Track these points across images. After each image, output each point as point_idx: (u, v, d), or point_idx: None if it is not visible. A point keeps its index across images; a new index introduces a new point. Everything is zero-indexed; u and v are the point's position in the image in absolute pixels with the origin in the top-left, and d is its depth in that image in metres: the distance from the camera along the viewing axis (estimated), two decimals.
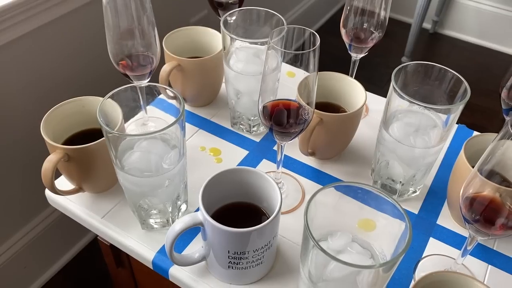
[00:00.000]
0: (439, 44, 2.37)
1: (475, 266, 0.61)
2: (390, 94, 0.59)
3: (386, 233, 0.48)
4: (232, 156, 0.73)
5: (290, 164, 0.73)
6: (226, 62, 0.70)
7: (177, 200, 0.60)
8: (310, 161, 0.73)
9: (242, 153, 0.74)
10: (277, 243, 0.61)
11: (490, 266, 0.61)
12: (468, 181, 0.48)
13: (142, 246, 0.61)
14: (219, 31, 0.70)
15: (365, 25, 0.72)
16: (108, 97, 0.55)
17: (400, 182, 0.65)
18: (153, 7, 0.64)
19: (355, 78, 0.71)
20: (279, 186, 0.54)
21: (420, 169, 0.64)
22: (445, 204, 0.67)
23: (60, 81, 1.10)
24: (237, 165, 0.72)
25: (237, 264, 0.54)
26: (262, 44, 0.66)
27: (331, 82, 0.71)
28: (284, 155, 0.73)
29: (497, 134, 0.45)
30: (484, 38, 2.35)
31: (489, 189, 0.47)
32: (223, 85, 0.81)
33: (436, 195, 0.69)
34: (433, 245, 0.63)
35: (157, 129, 0.50)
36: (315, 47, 0.50)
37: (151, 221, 0.62)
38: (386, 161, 0.64)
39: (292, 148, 0.74)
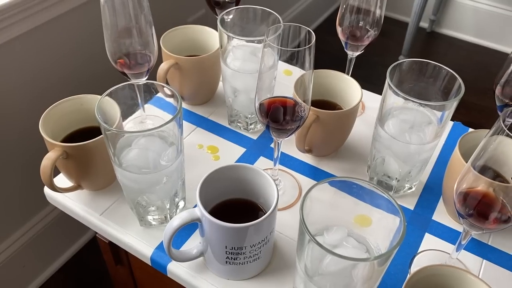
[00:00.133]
0: (436, 43, 2.38)
1: (470, 261, 0.62)
2: (386, 91, 0.60)
3: (381, 228, 0.48)
4: (229, 153, 0.74)
5: (287, 161, 0.73)
6: (223, 60, 0.71)
7: (175, 197, 0.61)
8: (307, 158, 0.74)
9: (240, 150, 0.75)
10: (274, 239, 0.62)
11: (485, 261, 0.62)
12: (461, 176, 0.49)
13: (140, 242, 0.62)
14: (217, 30, 0.70)
15: (361, 23, 0.73)
16: (106, 95, 0.56)
17: (396, 178, 0.66)
18: (150, 6, 0.65)
19: (353, 76, 0.72)
20: (276, 182, 0.54)
21: (415, 166, 0.64)
22: (441, 200, 0.68)
23: (58, 80, 1.11)
24: (235, 163, 0.72)
25: (234, 260, 0.54)
26: (259, 42, 0.67)
27: (328, 80, 0.71)
28: (281, 152, 0.74)
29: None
30: (481, 37, 2.35)
31: (482, 184, 0.48)
32: (220, 83, 0.82)
33: (431, 191, 0.69)
34: (429, 241, 0.63)
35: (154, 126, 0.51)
36: (310, 45, 0.51)
37: (149, 218, 0.62)
38: (382, 158, 0.65)
39: (289, 145, 0.75)
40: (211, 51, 0.74)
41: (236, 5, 0.77)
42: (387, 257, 0.42)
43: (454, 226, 0.65)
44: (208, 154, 0.74)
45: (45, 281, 1.32)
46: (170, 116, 0.52)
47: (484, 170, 0.47)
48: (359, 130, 0.77)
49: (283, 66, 0.55)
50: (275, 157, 0.64)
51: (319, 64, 0.54)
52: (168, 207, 0.61)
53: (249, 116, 0.76)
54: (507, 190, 0.48)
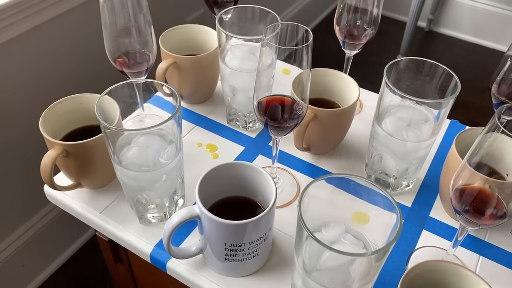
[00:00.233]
0: (434, 42, 2.39)
1: (467, 257, 0.62)
2: (383, 89, 0.60)
3: (379, 225, 0.49)
4: (228, 152, 0.75)
5: (286, 159, 0.74)
6: (221, 59, 0.71)
7: (174, 194, 0.62)
8: (305, 156, 0.75)
9: (238, 149, 0.75)
10: (273, 236, 0.62)
11: (481, 257, 0.62)
12: (457, 173, 0.50)
13: (140, 240, 0.62)
14: (215, 29, 0.71)
15: (358, 22, 0.74)
16: (106, 94, 0.56)
17: (393, 176, 0.66)
18: (149, 5, 0.65)
19: (351, 75, 0.72)
20: (274, 180, 0.55)
21: (412, 163, 0.65)
22: (438, 197, 0.69)
23: (58, 79, 1.11)
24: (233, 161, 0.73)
25: (233, 257, 0.55)
26: (257, 41, 0.67)
27: (326, 79, 0.72)
28: (280, 150, 0.75)
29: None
30: (479, 36, 2.36)
31: (478, 181, 0.48)
32: (219, 82, 0.82)
33: (428, 189, 0.70)
34: (426, 237, 0.64)
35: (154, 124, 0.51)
36: (308, 43, 0.51)
37: (149, 215, 0.63)
38: (380, 156, 0.66)
39: (287, 143, 0.75)
40: (209, 50, 0.75)
41: (234, 4, 0.77)
42: (384, 252, 0.42)
43: (451, 223, 0.66)
44: (207, 152, 0.74)
45: (45, 280, 1.32)
46: (169, 115, 0.53)
47: (479, 166, 0.48)
48: (357, 128, 0.77)
49: (281, 65, 0.56)
50: (273, 155, 0.64)
51: (317, 63, 0.54)
52: (167, 205, 0.62)
53: (248, 114, 0.76)
54: (503, 186, 0.49)
